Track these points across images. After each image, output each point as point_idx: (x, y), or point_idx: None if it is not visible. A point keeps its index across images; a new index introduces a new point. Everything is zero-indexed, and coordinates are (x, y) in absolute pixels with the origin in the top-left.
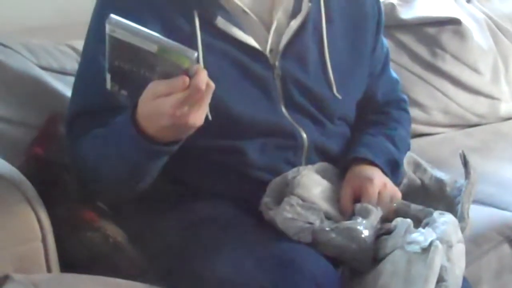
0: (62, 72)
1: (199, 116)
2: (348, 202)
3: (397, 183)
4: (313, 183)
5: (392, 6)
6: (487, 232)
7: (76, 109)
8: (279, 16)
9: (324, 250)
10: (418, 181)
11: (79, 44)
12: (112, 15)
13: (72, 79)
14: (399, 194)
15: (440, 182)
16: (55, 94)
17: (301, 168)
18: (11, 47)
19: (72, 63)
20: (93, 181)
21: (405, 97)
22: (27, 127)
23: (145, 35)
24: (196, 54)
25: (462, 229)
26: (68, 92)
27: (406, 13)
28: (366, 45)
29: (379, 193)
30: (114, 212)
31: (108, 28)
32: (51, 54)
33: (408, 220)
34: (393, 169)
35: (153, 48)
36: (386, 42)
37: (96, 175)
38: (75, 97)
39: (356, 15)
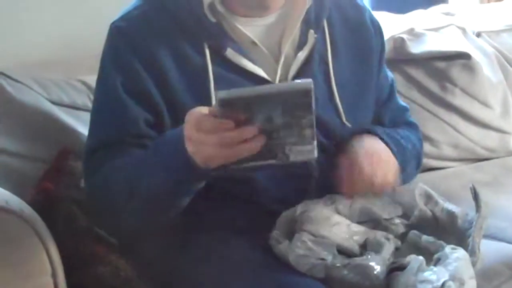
0: (73, 107)
1: None
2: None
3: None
4: (322, 216)
5: (402, 40)
6: (497, 267)
7: (95, 142)
8: (287, 48)
9: (336, 286)
10: (429, 213)
11: (90, 79)
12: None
13: (83, 114)
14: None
15: (451, 215)
16: (66, 129)
17: (309, 202)
18: (22, 81)
19: (83, 98)
20: (117, 212)
21: (416, 122)
22: (37, 162)
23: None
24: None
25: (473, 263)
26: (79, 126)
27: (416, 48)
28: (372, 74)
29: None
30: (124, 246)
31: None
32: (62, 89)
33: (421, 257)
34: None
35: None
36: (390, 73)
37: (124, 204)
38: (94, 131)
39: (361, 45)
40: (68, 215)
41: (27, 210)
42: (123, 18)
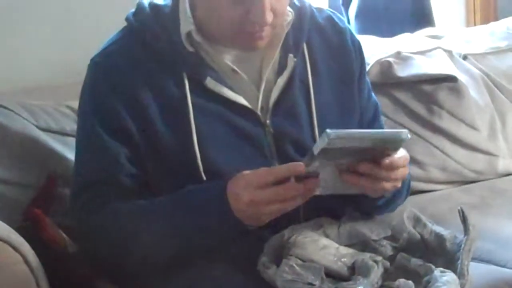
0: (61, 133)
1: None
2: None
3: None
4: (309, 240)
5: (389, 64)
6: None
7: (83, 180)
8: (267, 73)
9: None
10: (418, 236)
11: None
12: (328, 131)
13: (71, 140)
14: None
15: (440, 237)
16: (54, 155)
17: (296, 227)
18: (10, 108)
19: (71, 124)
20: (124, 259)
21: None
22: (25, 188)
23: (361, 136)
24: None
25: (462, 286)
26: (67, 152)
27: (403, 71)
28: (353, 96)
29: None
30: (112, 272)
31: (327, 142)
32: (50, 115)
33: (410, 282)
34: None
35: (368, 144)
36: (375, 97)
37: (130, 248)
38: (80, 168)
39: (342, 67)
40: (56, 240)
41: (15, 236)
42: (101, 53)
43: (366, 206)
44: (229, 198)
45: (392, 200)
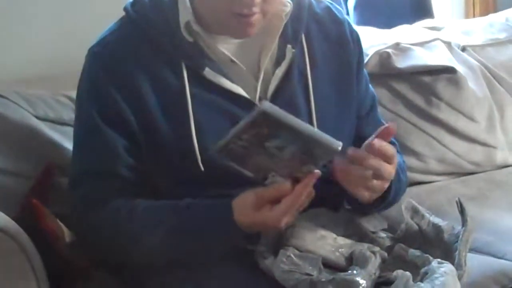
0: (59, 122)
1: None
2: None
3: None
4: (306, 231)
5: (388, 55)
6: (484, 281)
7: (81, 170)
8: (266, 64)
9: None
10: (416, 227)
11: None
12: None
13: (69, 129)
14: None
15: (437, 228)
16: (52, 144)
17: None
18: (8, 97)
19: (69, 113)
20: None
21: (395, 141)
22: (23, 178)
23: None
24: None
25: (459, 277)
26: (65, 142)
27: (402, 62)
28: (352, 86)
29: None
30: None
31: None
32: (48, 104)
33: (407, 273)
34: None
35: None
36: (372, 89)
37: (129, 246)
38: (78, 158)
39: (340, 58)
40: (54, 230)
41: (13, 226)
42: (99, 43)
43: (362, 208)
44: (256, 228)
45: (392, 201)
